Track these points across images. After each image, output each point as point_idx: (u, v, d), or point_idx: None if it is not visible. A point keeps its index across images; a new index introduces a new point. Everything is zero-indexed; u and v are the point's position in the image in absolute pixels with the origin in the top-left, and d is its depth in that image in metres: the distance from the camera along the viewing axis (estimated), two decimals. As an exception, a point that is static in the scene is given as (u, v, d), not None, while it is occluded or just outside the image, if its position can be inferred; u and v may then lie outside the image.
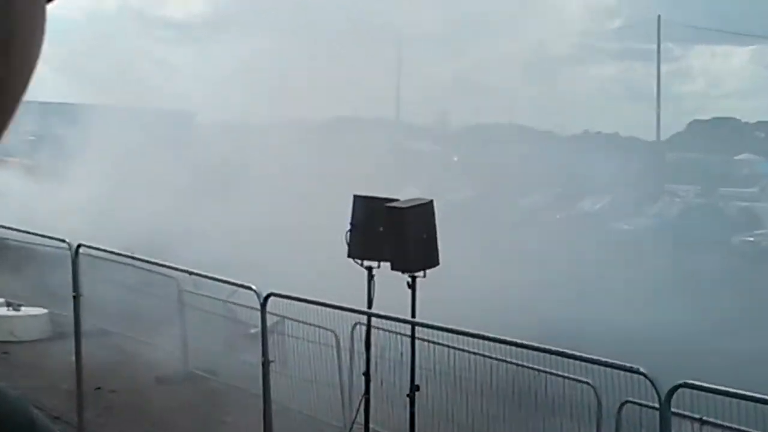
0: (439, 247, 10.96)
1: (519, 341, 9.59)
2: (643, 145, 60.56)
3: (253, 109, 48.40)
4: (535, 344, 9.46)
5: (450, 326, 10.32)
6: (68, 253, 13.02)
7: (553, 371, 11.19)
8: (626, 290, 24.54)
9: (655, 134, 65.70)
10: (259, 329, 11.29)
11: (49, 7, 0.57)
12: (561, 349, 9.19)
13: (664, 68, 67.29)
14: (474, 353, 11.84)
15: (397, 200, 11.80)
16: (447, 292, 16.42)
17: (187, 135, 38.29)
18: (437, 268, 10.95)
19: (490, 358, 11.68)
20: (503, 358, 11.58)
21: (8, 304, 16.99)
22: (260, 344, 11.06)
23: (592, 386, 10.86)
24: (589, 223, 37.17)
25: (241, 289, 12.37)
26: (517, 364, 11.54)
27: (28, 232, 16.30)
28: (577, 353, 9.11)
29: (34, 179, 33.66)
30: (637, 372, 8.49)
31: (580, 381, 11.01)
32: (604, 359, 9.00)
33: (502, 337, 9.76)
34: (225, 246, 25.27)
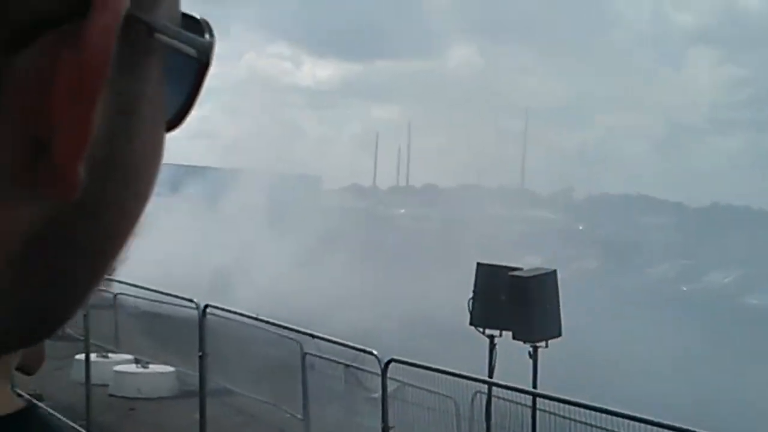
0: (562, 318, 10.91)
1: (641, 416, 9.44)
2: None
3: (379, 174, 48.82)
4: (658, 420, 9.29)
5: (571, 398, 10.21)
6: (196, 312, 13.31)
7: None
8: (751, 366, 23.89)
9: (787, 208, 64.12)
10: (379, 394, 11.34)
11: None
12: (684, 426, 9.00)
13: (797, 140, 65.75)
14: (595, 426, 11.68)
15: (520, 269, 11.80)
16: (569, 362, 16.26)
17: (314, 198, 38.78)
18: (560, 338, 10.90)
19: (612, 432, 11.51)
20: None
21: (137, 362, 17.37)
22: (380, 410, 11.10)
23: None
24: (717, 297, 36.36)
25: (363, 354, 12.44)
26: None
27: (158, 292, 16.71)
28: (701, 431, 8.90)
29: (166, 239, 34.47)
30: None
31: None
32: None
33: (624, 412, 9.62)
34: (349, 309, 25.49)
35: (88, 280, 0.62)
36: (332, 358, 14.93)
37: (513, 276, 11.16)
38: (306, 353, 15.15)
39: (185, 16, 0.64)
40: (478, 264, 11.73)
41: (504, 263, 12.33)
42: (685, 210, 62.71)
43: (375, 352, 11.48)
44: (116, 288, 18.09)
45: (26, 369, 2.46)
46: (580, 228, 57.76)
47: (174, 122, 0.66)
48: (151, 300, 18.30)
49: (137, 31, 0.58)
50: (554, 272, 11.39)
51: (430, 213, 41.17)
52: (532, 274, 11.49)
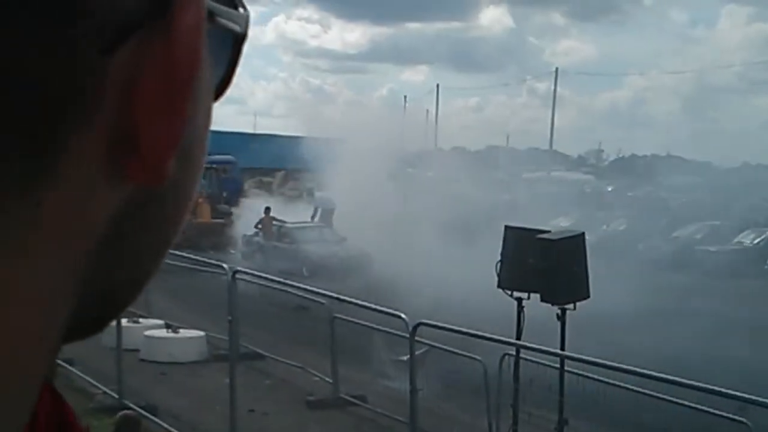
0: (590, 280, 10.90)
1: (668, 377, 9.45)
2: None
3: (408, 136, 48.91)
4: (686, 381, 9.30)
5: (599, 360, 10.23)
6: (226, 278, 13.40)
7: (706, 408, 10.96)
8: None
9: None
10: (408, 357, 11.40)
11: None
12: (714, 387, 9.00)
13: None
14: (623, 387, 11.71)
15: (548, 232, 11.80)
16: (597, 325, 16.26)
17: (342, 161, 38.68)
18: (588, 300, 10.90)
19: (640, 392, 11.54)
20: (653, 393, 11.42)
21: (168, 327, 17.52)
22: (408, 372, 11.16)
23: (748, 425, 10.60)
24: (746, 258, 36.14)
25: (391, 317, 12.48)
26: (668, 400, 11.35)
27: (189, 258, 16.82)
28: (732, 392, 8.89)
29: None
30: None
31: (734, 419, 10.77)
32: (761, 399, 8.70)
33: (651, 373, 9.63)
34: (378, 273, 25.55)
35: (150, 262, 0.63)
36: (360, 321, 15.00)
37: (540, 238, 11.15)
38: (334, 316, 15.24)
39: None
40: (506, 226, 11.71)
41: (532, 226, 12.35)
42: (714, 170, 62.34)
43: (403, 316, 11.52)
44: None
45: None
46: (609, 189, 57.61)
47: (215, 97, 0.66)
48: (182, 266, 18.42)
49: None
50: (582, 234, 11.38)
51: (459, 173, 40.97)
52: (559, 236, 11.48)
